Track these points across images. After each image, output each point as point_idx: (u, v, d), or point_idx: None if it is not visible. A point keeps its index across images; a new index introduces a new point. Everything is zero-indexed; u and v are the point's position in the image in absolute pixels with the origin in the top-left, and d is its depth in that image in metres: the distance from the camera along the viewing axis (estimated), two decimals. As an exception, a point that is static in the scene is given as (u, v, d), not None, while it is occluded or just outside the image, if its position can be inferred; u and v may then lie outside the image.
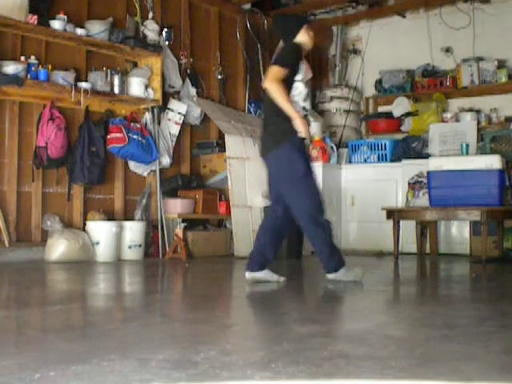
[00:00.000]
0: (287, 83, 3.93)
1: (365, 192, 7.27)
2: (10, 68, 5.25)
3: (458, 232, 6.87)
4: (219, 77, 7.29)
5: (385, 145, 7.42)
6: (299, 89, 4.03)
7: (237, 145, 6.59)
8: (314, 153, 7.27)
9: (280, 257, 6.14)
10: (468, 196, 5.86)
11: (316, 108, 8.43)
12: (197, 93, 6.94)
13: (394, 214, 6.18)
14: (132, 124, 6.08)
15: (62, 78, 5.59)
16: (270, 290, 3.92)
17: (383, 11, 8.31)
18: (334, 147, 7.52)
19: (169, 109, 6.57)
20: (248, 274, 4.09)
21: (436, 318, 2.90)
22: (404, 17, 8.35)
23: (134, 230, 5.97)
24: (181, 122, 6.67)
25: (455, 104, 7.89)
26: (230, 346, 2.23)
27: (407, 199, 6.68)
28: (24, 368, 1.86)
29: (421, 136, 7.46)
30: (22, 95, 5.52)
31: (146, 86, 6.23)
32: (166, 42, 6.71)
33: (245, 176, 6.57)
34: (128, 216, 6.30)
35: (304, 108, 4.07)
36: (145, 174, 6.44)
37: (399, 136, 7.76)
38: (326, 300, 3.73)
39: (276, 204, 4.15)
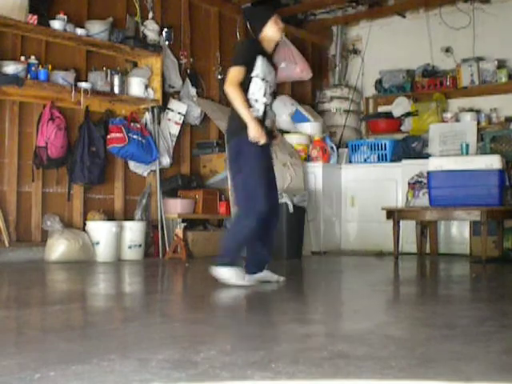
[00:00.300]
0: (244, 81, 3.94)
1: (365, 192, 7.27)
2: (10, 68, 5.25)
3: (458, 232, 6.87)
4: (219, 77, 7.29)
5: (385, 145, 7.42)
6: (258, 84, 3.98)
7: (237, 145, 6.57)
8: (314, 153, 7.28)
9: (280, 257, 6.15)
10: (468, 196, 5.86)
11: (316, 108, 8.44)
12: (197, 93, 6.94)
13: (393, 214, 6.18)
14: (132, 124, 6.08)
15: (62, 78, 5.59)
16: (269, 290, 3.92)
17: (383, 11, 8.31)
18: (334, 147, 7.52)
19: (169, 109, 6.57)
20: (248, 278, 4.08)
21: (436, 318, 2.90)
22: (404, 17, 8.35)
23: (133, 230, 5.97)
24: (181, 121, 6.67)
25: (455, 104, 7.89)
26: (229, 346, 2.23)
27: (407, 199, 6.68)
28: (24, 368, 1.86)
29: (421, 136, 7.45)
30: (22, 95, 5.52)
31: (146, 86, 6.23)
32: (166, 42, 6.71)
33: (245, 176, 6.55)
34: (128, 216, 6.30)
35: (265, 104, 4.01)
36: (145, 174, 6.44)
37: (399, 136, 7.76)
38: (326, 300, 3.72)
39: None
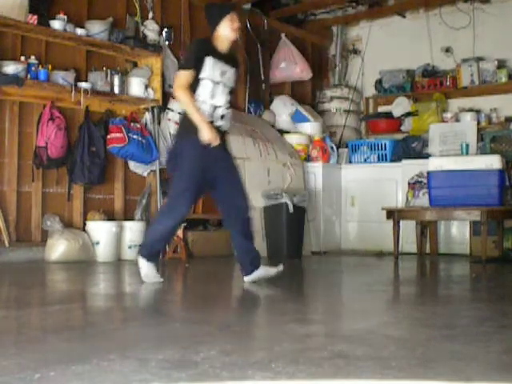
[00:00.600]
0: (193, 82, 3.92)
1: (365, 192, 7.27)
2: (10, 68, 5.25)
3: (458, 232, 6.87)
4: (219, 77, 7.28)
5: (385, 145, 7.43)
6: (206, 86, 3.94)
7: (237, 145, 6.57)
8: (314, 153, 7.28)
9: (280, 257, 6.16)
10: (468, 196, 5.86)
11: (316, 108, 8.44)
12: (197, 93, 6.93)
13: (394, 214, 6.18)
14: (132, 124, 6.07)
15: (62, 78, 5.59)
16: (269, 290, 3.92)
17: (383, 11, 8.31)
18: (334, 147, 7.53)
19: (169, 109, 6.56)
20: (247, 279, 4.09)
21: (436, 318, 2.90)
22: (404, 17, 8.35)
23: (133, 230, 5.97)
24: (181, 121, 6.67)
25: (455, 104, 7.89)
26: (229, 346, 2.23)
27: (407, 199, 6.68)
28: (24, 368, 1.86)
29: (421, 136, 7.45)
30: (22, 95, 5.52)
31: (146, 86, 6.23)
32: (166, 42, 6.71)
33: (245, 176, 6.55)
34: (128, 216, 6.30)
35: (214, 105, 3.97)
36: (145, 174, 6.44)
37: (399, 136, 7.76)
38: (325, 300, 3.72)
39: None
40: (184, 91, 3.89)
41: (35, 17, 5.38)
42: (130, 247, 5.93)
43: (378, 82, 8.37)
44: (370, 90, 8.58)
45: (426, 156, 6.90)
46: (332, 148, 7.47)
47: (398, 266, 5.75)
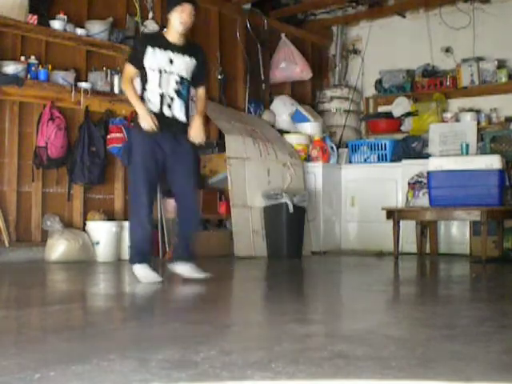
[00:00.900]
0: (141, 74, 4.07)
1: (365, 192, 7.27)
2: (10, 68, 5.26)
3: (458, 232, 6.87)
4: (219, 77, 7.29)
5: (385, 145, 7.42)
6: (151, 75, 4.06)
7: (237, 145, 6.58)
8: (314, 153, 7.27)
9: (280, 257, 6.16)
10: (468, 196, 5.86)
11: (316, 108, 8.44)
12: (197, 93, 6.92)
13: (393, 214, 6.18)
14: (132, 124, 6.07)
15: (62, 78, 5.59)
16: (269, 290, 3.92)
17: (383, 11, 8.31)
18: (334, 147, 7.52)
19: (169, 109, 6.55)
20: (170, 266, 4.30)
21: (436, 318, 2.90)
22: (404, 17, 8.35)
23: (133, 230, 5.97)
24: (181, 121, 6.66)
25: (455, 104, 7.89)
26: (229, 346, 2.23)
27: (407, 199, 6.68)
28: (24, 368, 1.86)
29: (421, 136, 7.45)
30: (22, 95, 5.52)
31: (146, 86, 6.22)
32: (166, 42, 6.70)
33: (245, 176, 6.56)
34: (128, 216, 6.28)
35: (161, 94, 4.05)
36: (145, 174, 6.43)
37: (399, 136, 7.76)
38: (325, 300, 3.72)
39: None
40: (125, 84, 4.11)
41: (35, 17, 5.38)
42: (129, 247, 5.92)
43: (378, 82, 8.37)
44: (369, 90, 8.58)
45: (426, 156, 6.90)
46: (332, 148, 7.47)
47: (398, 266, 5.75)
